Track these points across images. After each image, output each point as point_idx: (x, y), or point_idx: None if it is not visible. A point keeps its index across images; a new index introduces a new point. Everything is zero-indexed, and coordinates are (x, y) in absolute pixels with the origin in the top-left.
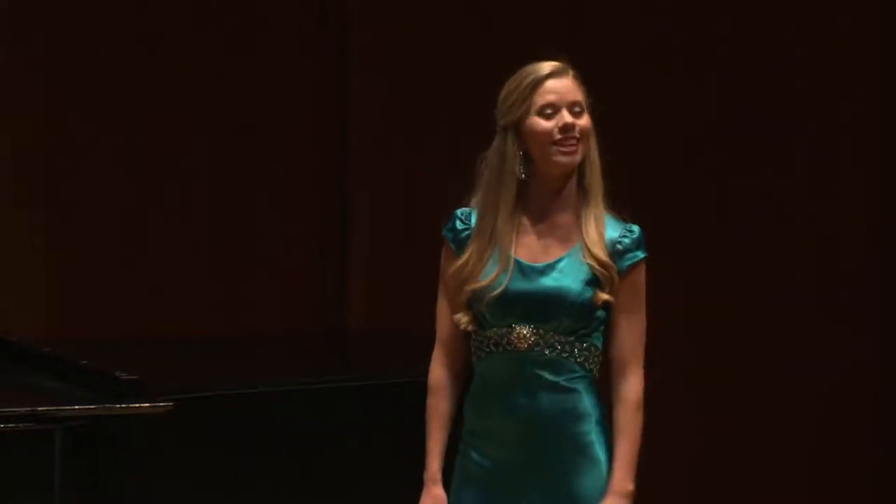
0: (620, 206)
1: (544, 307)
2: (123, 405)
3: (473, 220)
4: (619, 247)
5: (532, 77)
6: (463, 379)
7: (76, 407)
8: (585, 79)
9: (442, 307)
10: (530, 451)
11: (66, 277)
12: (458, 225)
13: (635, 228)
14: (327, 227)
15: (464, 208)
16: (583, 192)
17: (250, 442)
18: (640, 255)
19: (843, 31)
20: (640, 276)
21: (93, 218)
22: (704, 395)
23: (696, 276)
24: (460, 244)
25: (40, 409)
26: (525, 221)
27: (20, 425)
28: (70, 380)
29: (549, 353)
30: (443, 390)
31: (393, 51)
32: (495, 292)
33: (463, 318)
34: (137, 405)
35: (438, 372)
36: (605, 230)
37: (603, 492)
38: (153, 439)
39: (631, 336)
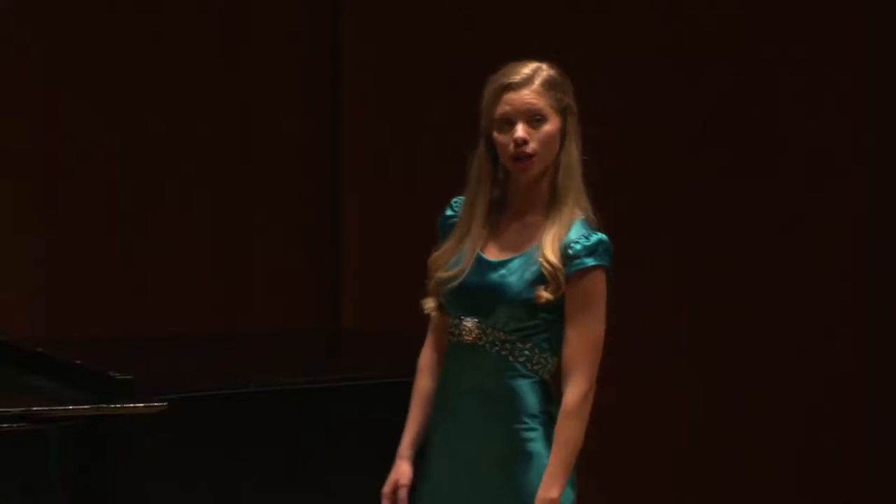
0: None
1: (486, 301)
2: (117, 405)
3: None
4: (569, 251)
5: (495, 86)
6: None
7: (70, 407)
8: (581, 77)
9: None
10: (471, 440)
11: (66, 277)
12: (448, 212)
13: (594, 237)
14: (322, 228)
15: (459, 197)
16: (555, 195)
17: (245, 442)
18: (589, 262)
19: (841, 30)
20: (590, 284)
21: (93, 218)
22: (699, 394)
23: (692, 275)
24: (446, 231)
25: (34, 409)
26: (501, 218)
27: (14, 425)
28: (65, 380)
29: (490, 348)
30: (427, 371)
31: (385, 50)
32: (451, 284)
33: (429, 303)
34: (132, 405)
35: (426, 353)
36: (568, 233)
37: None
38: (148, 439)
39: (575, 344)
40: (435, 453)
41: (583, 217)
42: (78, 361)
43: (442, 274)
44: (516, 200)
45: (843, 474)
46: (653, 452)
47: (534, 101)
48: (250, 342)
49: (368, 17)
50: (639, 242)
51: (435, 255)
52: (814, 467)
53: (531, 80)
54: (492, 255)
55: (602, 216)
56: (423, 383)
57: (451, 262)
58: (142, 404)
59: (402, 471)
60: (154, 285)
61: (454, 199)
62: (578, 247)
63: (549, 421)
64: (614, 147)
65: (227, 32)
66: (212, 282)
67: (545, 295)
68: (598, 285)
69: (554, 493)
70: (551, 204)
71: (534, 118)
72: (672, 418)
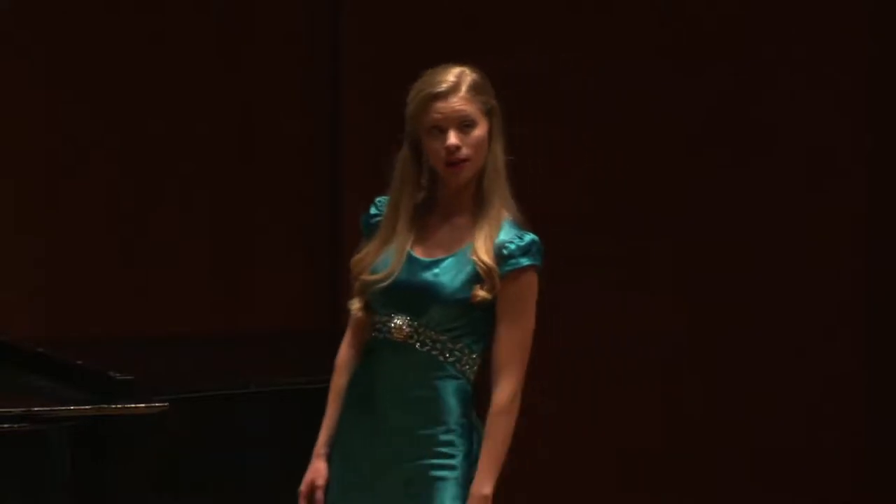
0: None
1: (419, 300)
2: (118, 405)
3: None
4: (504, 251)
5: (424, 93)
6: None
7: (71, 407)
8: (581, 77)
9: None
10: (388, 437)
11: (66, 277)
12: (373, 210)
13: (527, 237)
14: (322, 228)
15: (383, 196)
16: (482, 196)
17: (245, 442)
18: (524, 262)
19: (841, 30)
20: (524, 284)
21: (93, 218)
22: (700, 394)
23: (692, 275)
24: (371, 229)
25: (35, 409)
26: (428, 220)
27: (14, 425)
28: (65, 380)
29: (421, 347)
30: (344, 369)
31: (385, 50)
32: (380, 285)
33: (355, 304)
34: (133, 405)
35: (343, 351)
36: (498, 234)
37: (449, 490)
38: (148, 439)
39: (507, 343)
40: (346, 452)
41: (510, 218)
42: (78, 361)
43: (367, 277)
44: (443, 203)
45: (843, 474)
46: (652, 452)
47: (463, 107)
48: (250, 342)
49: (368, 17)
50: (639, 242)
51: (357, 256)
52: (814, 467)
53: (458, 87)
54: (422, 254)
55: (602, 215)
56: (342, 382)
57: (377, 264)
58: (142, 404)
59: (319, 470)
60: (154, 285)
61: (378, 199)
62: (513, 247)
63: (467, 426)
64: (614, 147)
65: (227, 32)
66: (212, 282)
67: (482, 294)
68: (532, 285)
69: (487, 489)
70: (478, 205)
71: (464, 124)
72: (672, 418)
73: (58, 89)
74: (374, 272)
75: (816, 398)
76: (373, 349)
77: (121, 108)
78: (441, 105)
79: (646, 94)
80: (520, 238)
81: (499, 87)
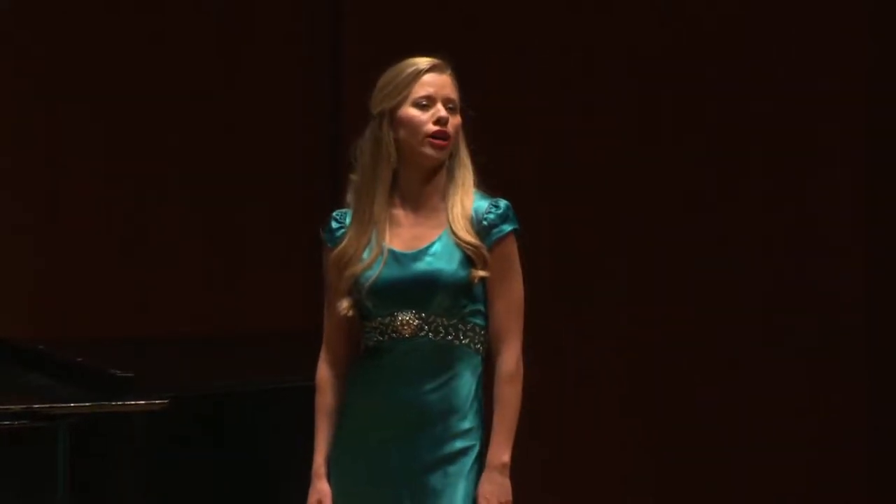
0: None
1: (422, 291)
2: (119, 403)
3: (348, 219)
4: (484, 223)
5: (412, 69)
6: (346, 377)
7: (71, 405)
8: (581, 77)
9: (328, 309)
10: (413, 436)
11: (66, 277)
12: (334, 224)
13: (502, 203)
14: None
15: (340, 210)
16: (452, 182)
17: (246, 441)
18: (507, 228)
19: (841, 30)
20: (509, 248)
21: (93, 218)
22: (699, 394)
23: (692, 275)
24: (337, 242)
25: (35, 406)
26: (397, 212)
27: (15, 423)
28: (65, 378)
29: (434, 337)
30: (328, 388)
31: (385, 50)
32: (370, 281)
33: (344, 304)
34: (133, 403)
35: (324, 371)
36: (472, 206)
37: (463, 486)
38: (148, 438)
39: (503, 311)
40: (351, 460)
41: (479, 192)
42: (79, 359)
43: (355, 268)
44: (413, 189)
45: (844, 474)
46: (652, 452)
47: (451, 88)
48: (250, 342)
49: (368, 17)
50: (638, 242)
51: (337, 252)
52: (814, 467)
53: (444, 67)
54: (403, 247)
55: (601, 215)
56: (327, 400)
57: (361, 256)
58: (143, 402)
59: (324, 490)
60: (154, 285)
61: (336, 212)
62: (492, 216)
63: (478, 407)
64: (614, 147)
65: (227, 32)
66: (212, 282)
67: (479, 273)
68: (514, 248)
69: (506, 457)
70: (449, 190)
71: (448, 105)
72: (672, 418)
73: (58, 89)
74: (358, 263)
75: (817, 398)
76: (378, 354)
77: (121, 107)
78: (432, 77)
79: (646, 94)
80: (496, 206)
81: (499, 86)
